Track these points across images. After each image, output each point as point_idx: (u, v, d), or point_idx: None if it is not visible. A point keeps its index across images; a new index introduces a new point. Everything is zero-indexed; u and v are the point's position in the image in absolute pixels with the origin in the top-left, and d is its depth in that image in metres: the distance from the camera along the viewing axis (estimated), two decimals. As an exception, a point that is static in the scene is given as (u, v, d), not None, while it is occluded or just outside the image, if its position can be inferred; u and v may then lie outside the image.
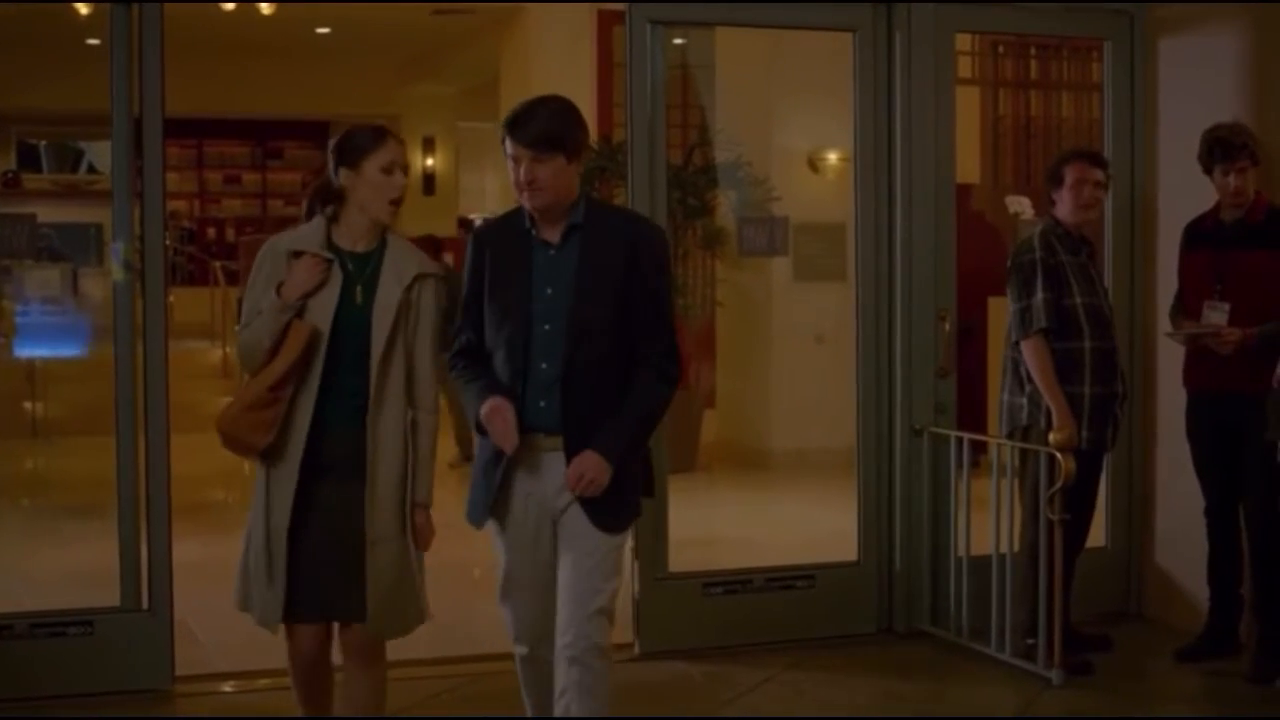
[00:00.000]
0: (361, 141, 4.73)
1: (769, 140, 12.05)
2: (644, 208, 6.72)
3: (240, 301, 4.90)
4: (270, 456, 4.66)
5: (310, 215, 4.82)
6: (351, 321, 4.66)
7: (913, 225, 7.05)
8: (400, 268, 4.70)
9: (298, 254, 4.71)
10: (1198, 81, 7.14)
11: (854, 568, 7.14)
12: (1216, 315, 6.45)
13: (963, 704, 6.26)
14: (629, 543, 4.83)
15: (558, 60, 14.54)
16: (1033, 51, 12.30)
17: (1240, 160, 6.41)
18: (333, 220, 4.77)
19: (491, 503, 4.64)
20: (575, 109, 4.59)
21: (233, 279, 15.95)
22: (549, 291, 4.55)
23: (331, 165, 4.78)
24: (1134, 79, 7.39)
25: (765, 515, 10.13)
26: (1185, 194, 6.80)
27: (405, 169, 4.82)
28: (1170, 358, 6.88)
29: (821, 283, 11.47)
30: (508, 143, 4.50)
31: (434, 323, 4.71)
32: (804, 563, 7.17)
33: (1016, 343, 6.49)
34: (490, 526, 4.72)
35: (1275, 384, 5.97)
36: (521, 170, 4.47)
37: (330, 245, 4.72)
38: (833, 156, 11.84)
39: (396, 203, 4.73)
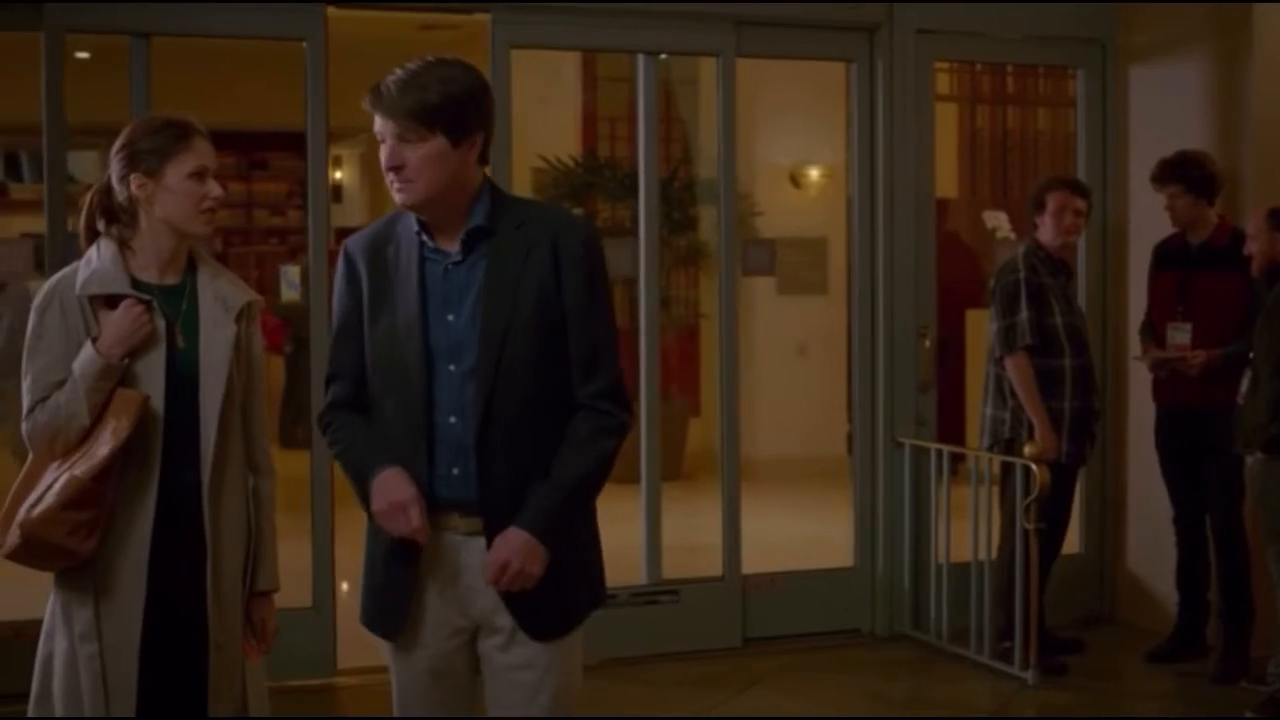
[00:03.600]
0: (161, 142, 3.72)
1: (752, 156, 12.29)
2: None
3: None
4: (94, 567, 3.64)
5: (91, 239, 3.77)
6: (178, 375, 3.69)
7: (894, 244, 7.36)
8: (223, 297, 3.78)
9: (97, 299, 3.68)
10: (1167, 109, 7.45)
11: (826, 574, 7.46)
12: (1179, 335, 6.78)
13: (942, 703, 6.55)
14: (579, 657, 3.59)
15: (542, 75, 14.75)
16: (1009, 68, 12.55)
17: (1169, 186, 6.77)
18: (123, 246, 3.75)
19: (407, 606, 3.46)
20: (475, 78, 3.40)
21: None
22: (450, 319, 3.39)
23: (116, 172, 3.74)
24: (1106, 106, 7.70)
25: (748, 522, 10.42)
26: (1155, 217, 7.09)
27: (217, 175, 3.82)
28: (1141, 374, 7.17)
29: (804, 296, 11.71)
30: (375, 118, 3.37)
31: (264, 364, 3.88)
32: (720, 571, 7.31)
33: (1000, 359, 6.78)
34: (382, 644, 3.58)
35: (1239, 400, 6.29)
36: (384, 153, 3.32)
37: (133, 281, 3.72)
38: (814, 172, 12.08)
39: (214, 212, 3.74)
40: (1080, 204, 6.90)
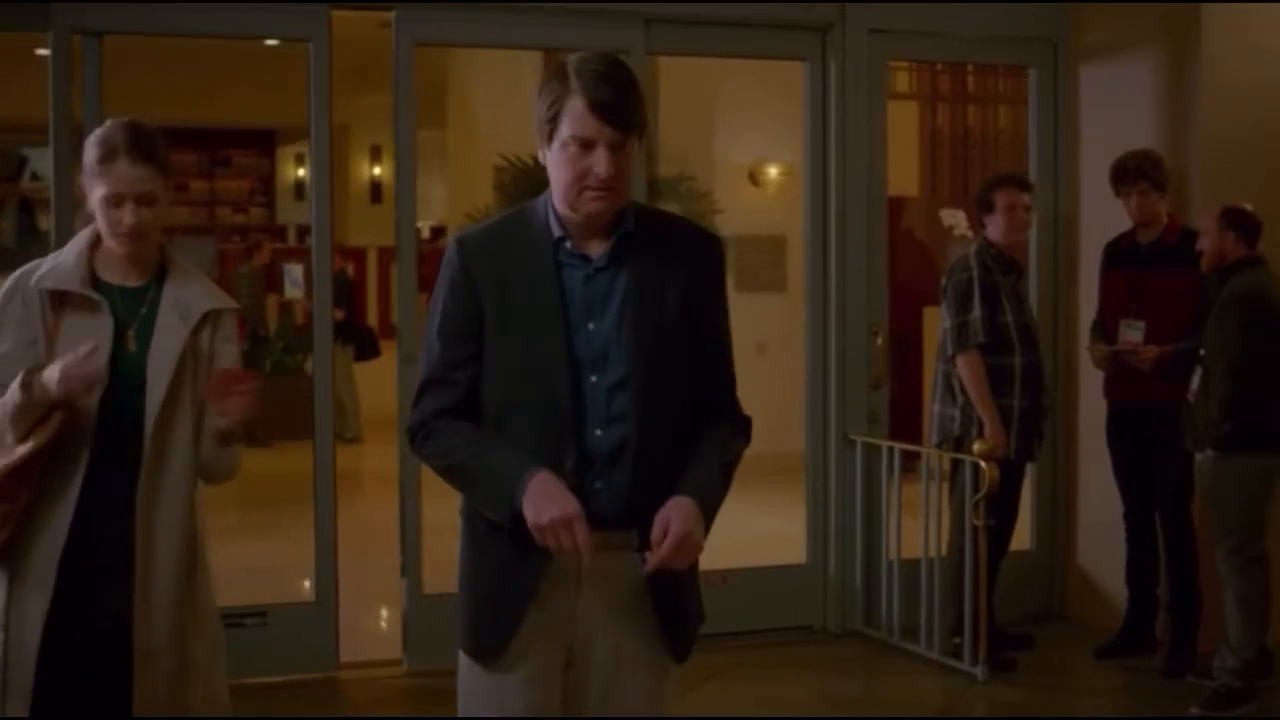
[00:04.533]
0: (90, 158, 3.68)
1: (711, 154, 12.35)
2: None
3: None
4: (7, 561, 3.64)
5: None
6: (125, 377, 3.65)
7: (847, 242, 7.39)
8: (184, 304, 3.73)
9: (58, 294, 3.67)
10: (1117, 108, 7.50)
11: (779, 571, 7.49)
12: (1132, 333, 6.82)
13: (892, 700, 6.59)
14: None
15: (505, 69, 14.76)
16: (970, 66, 12.61)
17: (1138, 184, 6.81)
18: (94, 245, 3.74)
19: (519, 628, 3.26)
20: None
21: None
22: (590, 327, 3.25)
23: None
24: (1057, 105, 7.75)
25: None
26: (1106, 215, 7.16)
27: (152, 199, 3.68)
28: (1092, 371, 7.21)
29: (762, 294, 11.75)
30: (578, 114, 3.12)
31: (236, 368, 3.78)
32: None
33: (951, 357, 6.82)
34: (471, 665, 3.35)
35: (1189, 398, 6.34)
36: (598, 159, 3.13)
37: (94, 279, 3.71)
38: (773, 170, 12.14)
39: (131, 237, 3.65)
40: (1027, 199, 6.95)
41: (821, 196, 7.42)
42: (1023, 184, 7.01)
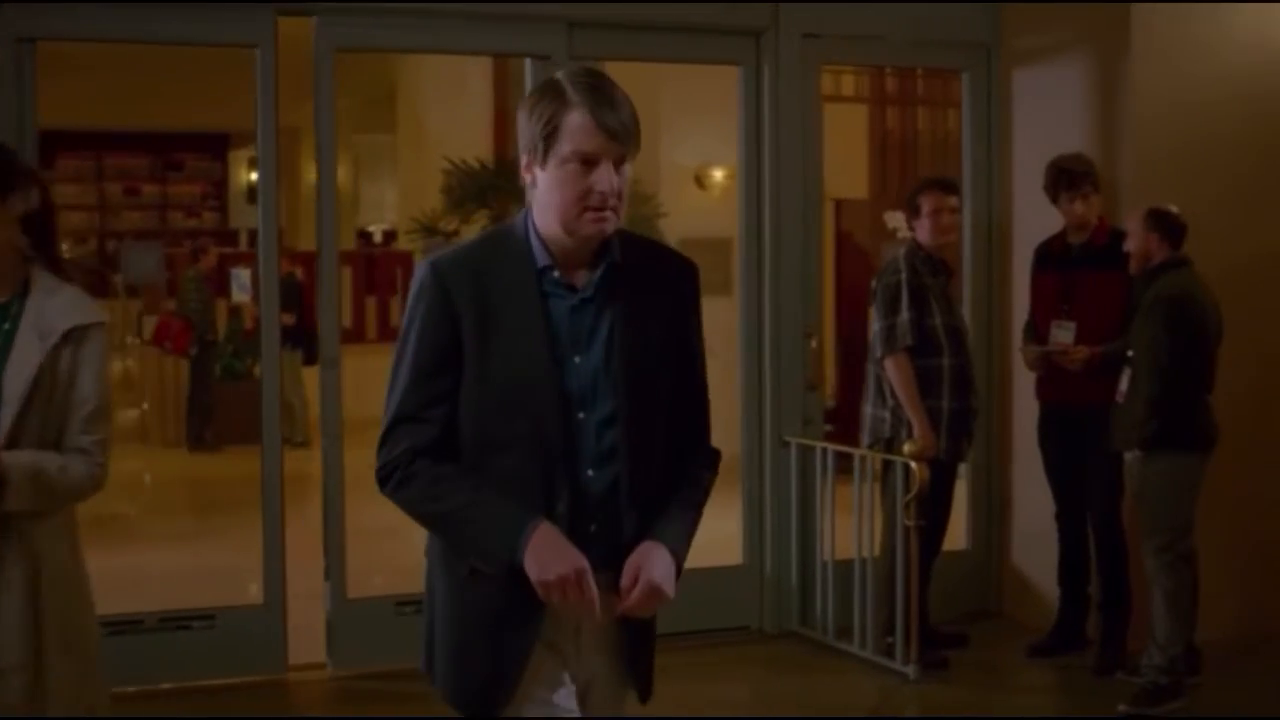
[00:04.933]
0: None
1: (656, 157, 12.37)
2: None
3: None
4: None
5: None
6: None
7: (781, 244, 7.43)
8: (46, 321, 3.59)
9: None
10: (1049, 111, 7.57)
11: (716, 572, 7.51)
12: (1063, 334, 6.89)
13: (825, 699, 6.63)
14: None
15: (455, 74, 14.78)
16: (919, 70, 12.68)
17: (1083, 188, 6.86)
18: None
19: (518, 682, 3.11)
20: None
21: (134, 292, 16.08)
22: (577, 360, 3.10)
23: None
24: (990, 108, 7.82)
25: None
26: (1038, 218, 7.22)
27: (20, 221, 3.61)
28: (1025, 372, 7.26)
29: (708, 297, 11.71)
30: (581, 128, 2.98)
31: (100, 387, 3.64)
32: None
33: (880, 359, 6.87)
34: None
35: (1118, 398, 6.41)
36: (601, 176, 2.99)
37: None
38: (719, 174, 12.19)
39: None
40: (954, 202, 7.01)
41: (756, 200, 7.46)
42: (947, 187, 7.06)
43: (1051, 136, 7.35)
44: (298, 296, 13.43)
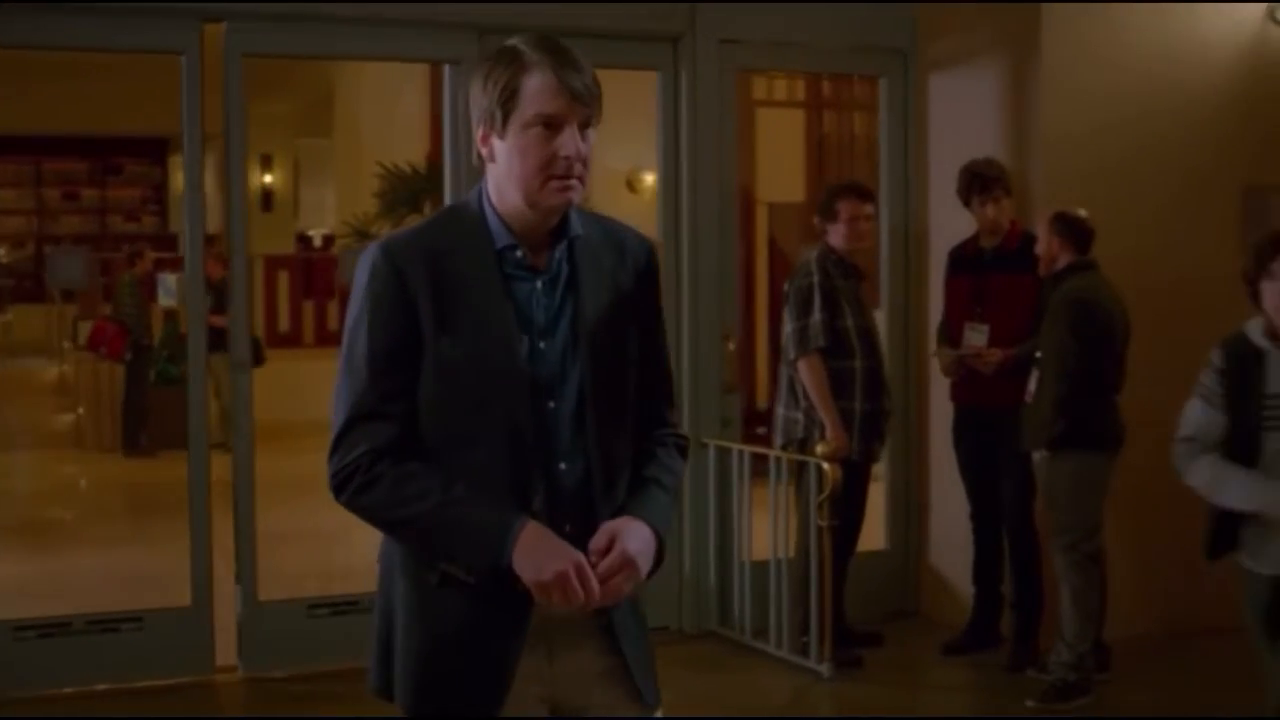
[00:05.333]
0: None
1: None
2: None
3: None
4: None
5: None
6: None
7: (699, 248, 7.50)
8: None
9: None
10: (964, 116, 7.66)
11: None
12: (976, 336, 6.98)
13: (739, 698, 6.70)
14: None
15: (392, 78, 14.81)
16: (856, 75, 12.75)
17: (995, 192, 6.96)
18: None
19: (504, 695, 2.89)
20: None
21: (70, 297, 16.05)
22: (542, 346, 2.90)
23: None
24: (907, 113, 7.90)
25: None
26: (954, 222, 7.31)
27: None
28: (941, 375, 7.35)
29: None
30: (543, 89, 2.81)
31: None
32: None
33: (793, 360, 6.95)
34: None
35: (1027, 399, 6.51)
36: (567, 140, 2.81)
37: None
38: (650, 178, 12.24)
39: None
40: (869, 209, 7.09)
41: (675, 204, 7.53)
42: (864, 194, 7.14)
43: (967, 141, 7.44)
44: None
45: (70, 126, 20.04)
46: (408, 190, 12.26)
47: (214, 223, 20.81)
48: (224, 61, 6.82)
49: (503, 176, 2.87)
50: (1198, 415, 4.63)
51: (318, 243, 18.76)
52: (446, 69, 7.27)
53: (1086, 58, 7.30)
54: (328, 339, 15.16)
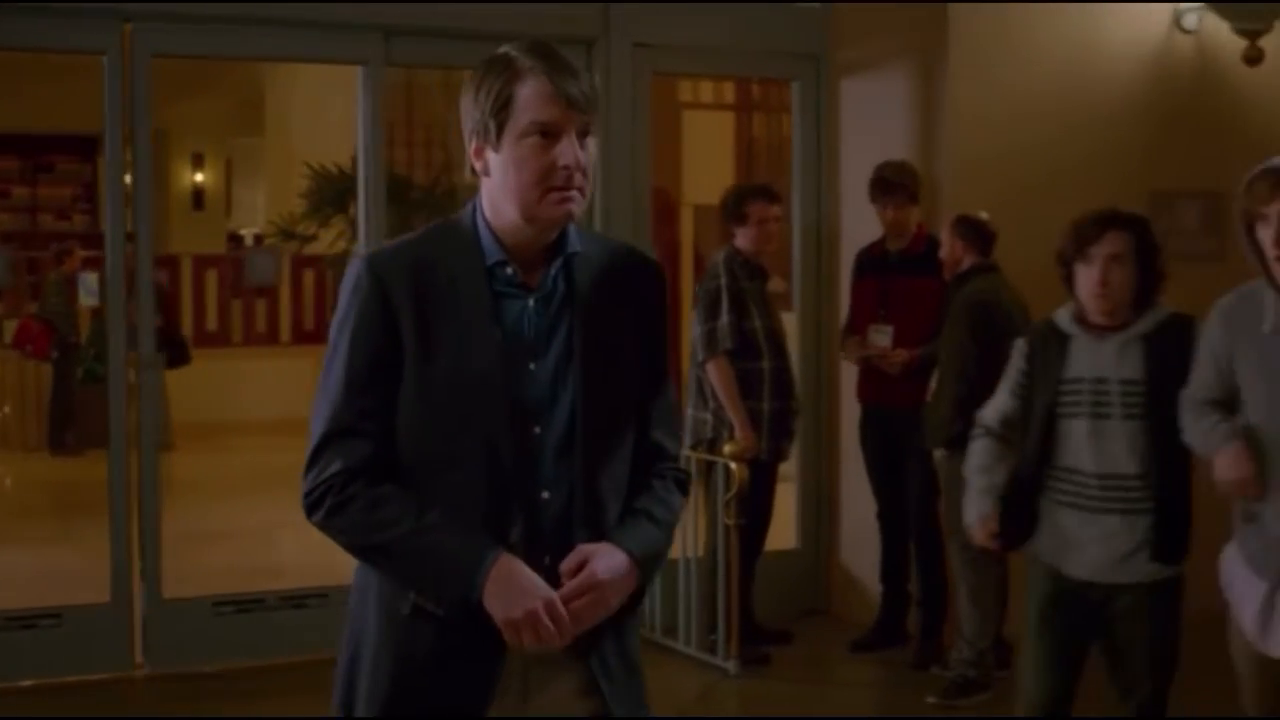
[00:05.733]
0: None
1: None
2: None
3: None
4: None
5: None
6: None
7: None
8: None
9: None
10: (875, 120, 7.76)
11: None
12: (881, 337, 7.08)
13: (649, 695, 6.75)
14: None
15: (324, 77, 14.78)
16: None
17: (898, 196, 7.06)
18: None
19: None
20: None
21: (-4, 295, 15.96)
22: (531, 368, 2.78)
23: None
24: (819, 117, 8.00)
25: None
26: (866, 225, 7.41)
27: None
28: (851, 375, 7.46)
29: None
30: (539, 97, 2.69)
31: None
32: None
33: (701, 362, 7.02)
34: None
35: (928, 398, 6.61)
36: (565, 150, 2.70)
37: None
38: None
39: None
40: (777, 211, 7.18)
41: (588, 209, 7.56)
42: (772, 196, 7.23)
43: (878, 145, 7.54)
44: (160, 300, 13.41)
45: (1, 125, 19.91)
46: (334, 190, 12.27)
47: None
48: (131, 61, 6.82)
49: (498, 190, 2.75)
50: (996, 401, 4.82)
51: (249, 242, 18.71)
52: (360, 70, 7.30)
53: (993, 64, 7.41)
54: (256, 339, 15.17)
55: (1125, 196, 7.59)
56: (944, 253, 6.66)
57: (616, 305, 2.84)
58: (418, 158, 14.37)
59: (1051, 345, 4.58)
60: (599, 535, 2.76)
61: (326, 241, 12.73)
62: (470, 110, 2.76)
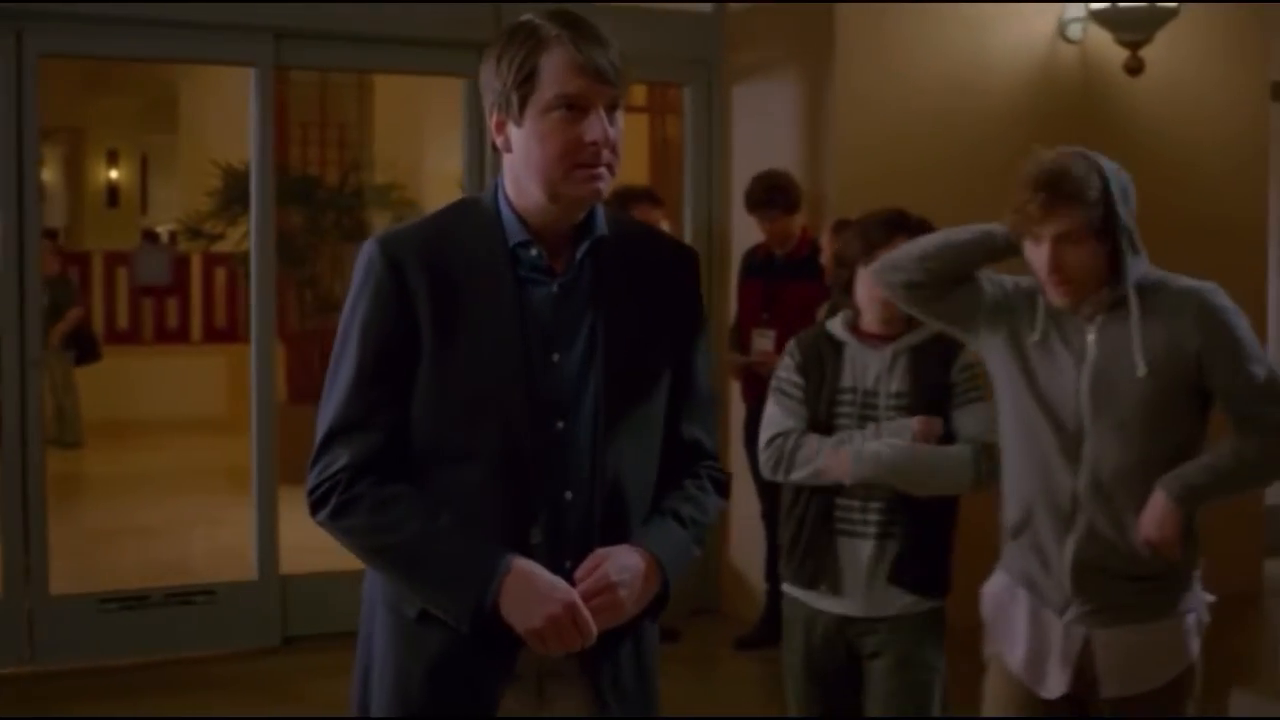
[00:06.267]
0: None
1: (422, 165, 12.53)
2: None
3: None
4: None
5: None
6: None
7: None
8: None
9: None
10: (766, 125, 7.88)
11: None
12: (764, 341, 7.19)
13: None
14: None
15: (237, 76, 14.75)
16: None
17: (772, 210, 7.21)
18: None
19: None
20: None
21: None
22: (555, 358, 2.61)
23: None
24: (711, 121, 8.10)
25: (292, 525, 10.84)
26: (755, 227, 7.51)
27: None
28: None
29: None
30: (564, 68, 2.54)
31: None
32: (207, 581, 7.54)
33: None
34: None
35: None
36: (593, 125, 2.54)
37: None
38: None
39: None
40: (659, 213, 7.28)
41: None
42: (655, 200, 7.32)
43: (768, 150, 7.66)
44: (71, 297, 13.38)
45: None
46: (242, 189, 12.23)
47: (58, 217, 20.62)
48: (18, 64, 6.82)
49: (520, 167, 2.60)
50: (776, 412, 4.35)
51: (164, 239, 18.68)
52: (253, 72, 7.34)
53: (880, 70, 7.53)
54: (167, 336, 15.14)
55: (1010, 204, 7.77)
56: (825, 257, 6.77)
57: (647, 293, 2.68)
58: (330, 157, 14.40)
59: (827, 353, 4.28)
60: (624, 537, 2.60)
61: (234, 240, 12.75)
62: (491, 81, 2.60)
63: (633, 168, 12.83)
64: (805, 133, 7.65)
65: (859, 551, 4.15)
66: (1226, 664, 6.46)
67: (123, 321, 15.08)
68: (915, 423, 4.10)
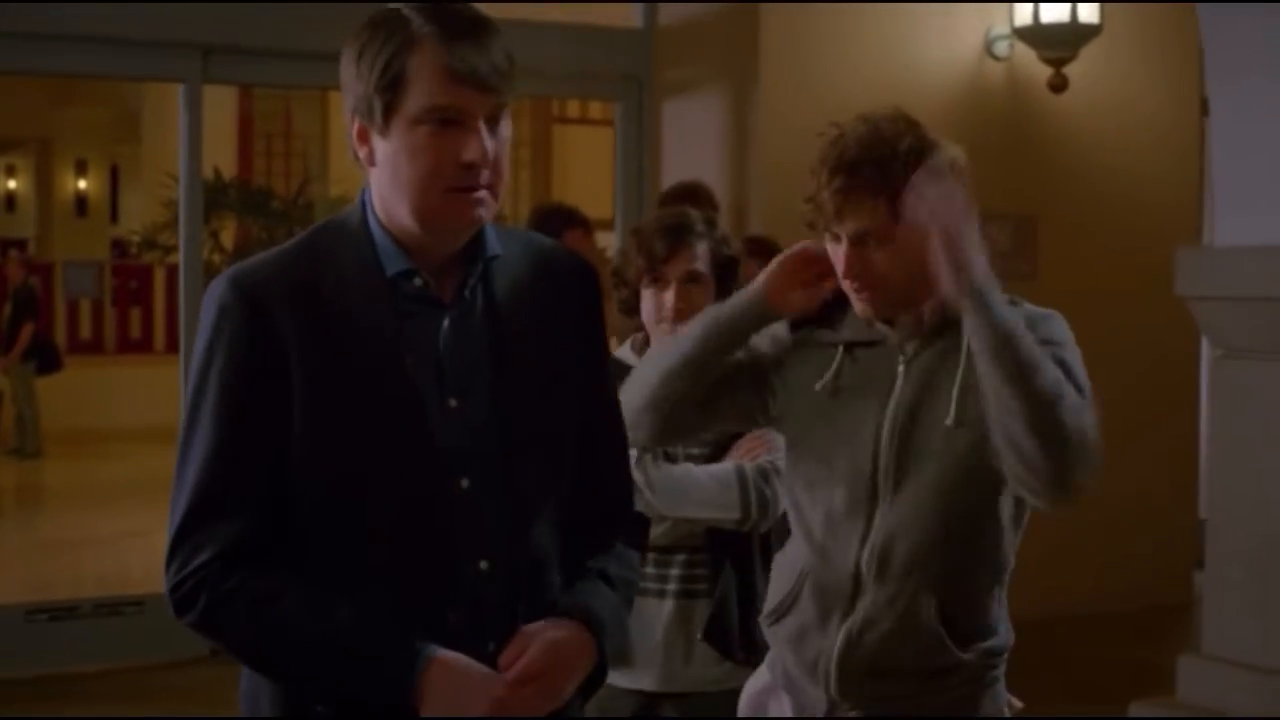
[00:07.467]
0: None
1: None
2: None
3: None
4: None
5: None
6: None
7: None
8: None
9: None
10: (694, 141, 7.95)
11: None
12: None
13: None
14: None
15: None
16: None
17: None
18: None
19: None
20: None
21: None
22: (452, 404, 2.20)
23: None
24: (641, 138, 8.17)
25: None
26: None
27: None
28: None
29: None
30: (435, 74, 2.11)
31: None
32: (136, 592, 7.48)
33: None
34: None
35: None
36: (469, 142, 2.12)
37: None
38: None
39: None
40: (580, 234, 7.30)
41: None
42: (578, 221, 7.37)
43: (696, 167, 7.70)
44: (34, 306, 13.46)
45: None
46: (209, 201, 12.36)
47: (28, 227, 20.68)
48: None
49: (387, 185, 2.19)
50: None
51: (133, 249, 18.79)
52: (181, 89, 7.41)
53: (805, 88, 7.58)
54: (130, 346, 15.21)
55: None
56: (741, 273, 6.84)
57: (548, 318, 2.28)
58: (293, 168, 14.50)
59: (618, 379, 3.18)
60: (549, 608, 2.22)
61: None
62: (351, 83, 2.20)
63: (597, 179, 12.92)
64: (733, 149, 7.73)
65: (656, 611, 3.41)
66: (1141, 674, 6.60)
67: (85, 332, 15.16)
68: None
